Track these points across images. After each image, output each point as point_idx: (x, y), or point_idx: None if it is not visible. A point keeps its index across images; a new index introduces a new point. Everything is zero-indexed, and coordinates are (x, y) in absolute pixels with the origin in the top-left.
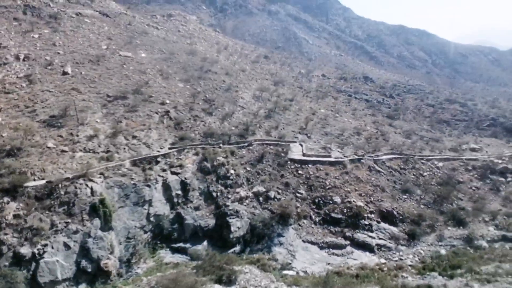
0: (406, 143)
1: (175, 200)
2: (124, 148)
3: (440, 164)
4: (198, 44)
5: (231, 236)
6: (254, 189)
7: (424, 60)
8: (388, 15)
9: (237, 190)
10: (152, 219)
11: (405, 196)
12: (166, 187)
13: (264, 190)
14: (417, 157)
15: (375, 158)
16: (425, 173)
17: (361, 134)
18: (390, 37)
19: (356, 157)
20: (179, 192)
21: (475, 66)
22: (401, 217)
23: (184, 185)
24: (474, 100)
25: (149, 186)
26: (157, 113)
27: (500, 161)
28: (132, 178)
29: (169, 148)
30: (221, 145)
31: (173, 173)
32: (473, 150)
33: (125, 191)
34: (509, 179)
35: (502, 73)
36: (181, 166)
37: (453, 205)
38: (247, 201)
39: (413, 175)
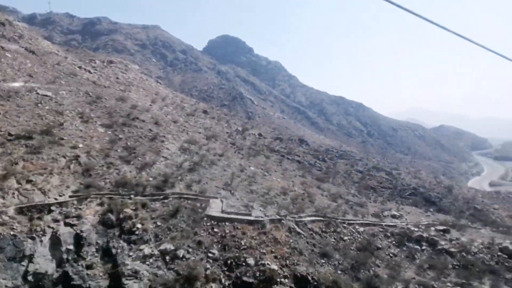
0: (331, 206)
1: (65, 256)
2: (13, 193)
3: (361, 229)
4: (132, 91)
5: None
6: (162, 247)
7: (360, 130)
8: (329, 87)
9: (142, 247)
10: (30, 278)
11: (323, 261)
12: (55, 241)
13: (172, 248)
14: (339, 221)
15: (297, 220)
16: (345, 237)
17: (287, 194)
18: (330, 106)
19: (278, 217)
20: (71, 247)
21: (404, 140)
22: (315, 283)
23: (78, 239)
24: (399, 170)
25: (33, 238)
26: (64, 157)
27: (416, 229)
28: (13, 228)
29: (70, 197)
30: (132, 196)
31: (67, 224)
32: (394, 217)
33: (0, 243)
34: (423, 247)
35: (427, 148)
36: (79, 217)
37: (370, 271)
38: (151, 260)
39: (334, 238)
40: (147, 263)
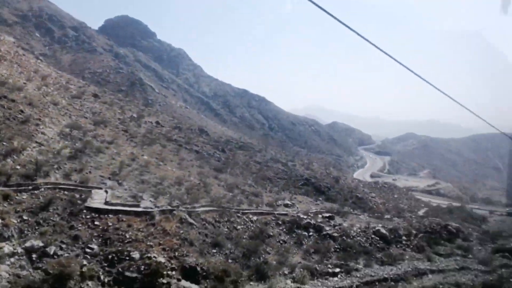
0: (227, 196)
1: None
2: None
3: (255, 218)
4: (2, 67)
5: None
6: (27, 244)
7: (262, 123)
8: (234, 79)
9: (0, 245)
10: None
11: (215, 250)
12: None
13: (41, 245)
14: (233, 211)
15: (190, 210)
16: (239, 227)
17: (182, 185)
18: (234, 99)
19: (170, 208)
20: None
21: (301, 134)
22: (204, 273)
23: None
24: (294, 162)
25: None
26: None
27: (305, 217)
28: None
29: None
30: None
31: None
32: (286, 206)
33: None
34: (311, 233)
35: (321, 143)
36: None
37: (260, 258)
38: (12, 260)
39: (227, 228)
40: (7, 263)
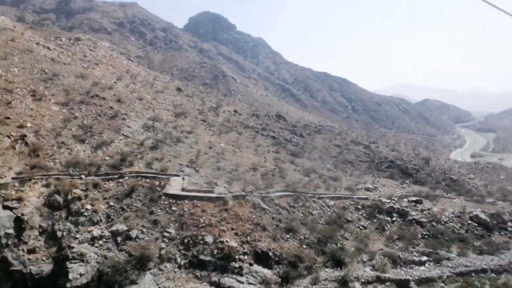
0: (303, 181)
1: (3, 241)
2: None
3: (332, 202)
4: (96, 69)
5: (68, 285)
6: (113, 228)
7: (345, 106)
8: (313, 63)
9: (90, 228)
10: None
11: (288, 236)
12: None
13: (125, 228)
14: (310, 195)
15: (263, 195)
16: (314, 212)
17: (257, 170)
18: (315, 83)
19: (243, 193)
20: (11, 231)
21: (388, 115)
22: (277, 259)
23: (19, 222)
24: (377, 143)
25: None
26: (9, 137)
27: (388, 201)
28: None
29: (13, 178)
30: (83, 176)
31: (6, 207)
32: (367, 189)
33: None
34: (394, 218)
35: (411, 122)
36: (20, 199)
37: (337, 244)
38: (100, 242)
39: (302, 213)
40: (96, 245)
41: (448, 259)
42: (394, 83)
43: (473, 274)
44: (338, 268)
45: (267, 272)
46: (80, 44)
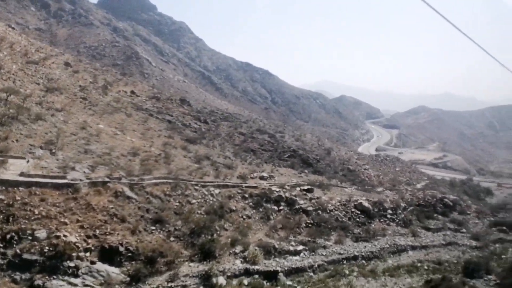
0: (190, 168)
1: None
2: None
3: (217, 191)
4: None
5: None
6: None
7: (265, 97)
8: (236, 52)
9: None
10: None
11: (154, 228)
12: None
13: None
14: (193, 183)
15: (132, 182)
16: (194, 200)
17: (137, 155)
18: (237, 72)
19: (107, 179)
20: None
21: (305, 108)
22: (130, 254)
23: None
24: (283, 133)
25: None
26: None
27: (279, 190)
28: None
29: None
30: None
31: None
32: (262, 178)
33: None
34: (281, 207)
35: (326, 116)
36: None
37: (214, 235)
38: None
39: (179, 202)
40: None
41: (324, 247)
42: (319, 79)
43: (345, 262)
44: (205, 262)
45: (113, 271)
46: None
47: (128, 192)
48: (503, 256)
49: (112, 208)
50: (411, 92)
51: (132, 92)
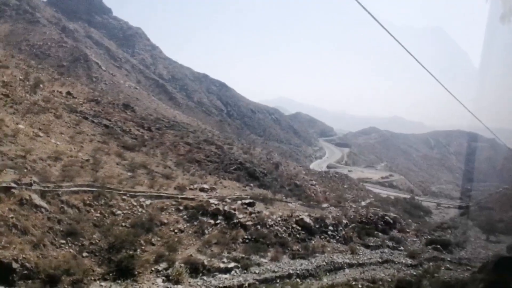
0: (121, 176)
1: None
2: None
3: (148, 202)
4: None
5: None
6: None
7: (220, 109)
8: (194, 64)
9: None
10: None
11: (64, 241)
12: None
13: None
14: (121, 192)
15: (46, 189)
16: (119, 212)
17: (60, 160)
18: (193, 83)
19: (13, 185)
20: None
21: (260, 123)
22: (27, 272)
23: None
24: (231, 145)
25: None
26: None
27: (217, 202)
28: None
29: None
30: None
31: None
32: (202, 190)
33: None
34: (218, 221)
35: (281, 132)
36: None
37: (137, 251)
38: None
39: (100, 213)
40: None
41: (259, 264)
42: (278, 96)
43: (278, 280)
44: (121, 280)
45: None
46: None
47: (37, 200)
48: (435, 275)
49: (12, 217)
50: (364, 114)
51: (69, 93)
